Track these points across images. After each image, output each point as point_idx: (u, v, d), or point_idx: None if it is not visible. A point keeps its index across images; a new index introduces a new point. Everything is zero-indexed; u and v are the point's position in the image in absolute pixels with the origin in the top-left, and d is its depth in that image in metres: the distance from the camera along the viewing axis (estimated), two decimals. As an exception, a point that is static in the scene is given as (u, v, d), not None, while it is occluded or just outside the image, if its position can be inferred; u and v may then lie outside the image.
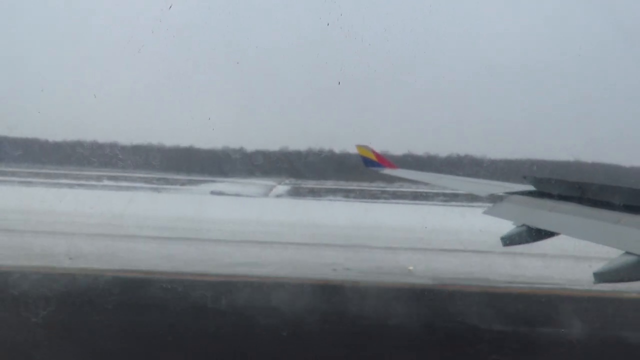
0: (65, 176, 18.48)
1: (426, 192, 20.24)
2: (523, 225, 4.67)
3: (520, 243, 4.66)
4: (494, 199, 5.39)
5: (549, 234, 4.44)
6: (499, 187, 5.64)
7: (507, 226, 4.83)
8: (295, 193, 20.94)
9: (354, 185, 21.47)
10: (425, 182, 9.58)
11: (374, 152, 10.00)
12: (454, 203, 18.53)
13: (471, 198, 18.56)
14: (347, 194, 20.41)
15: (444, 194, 19.81)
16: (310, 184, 21.86)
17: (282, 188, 21.23)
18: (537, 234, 4.53)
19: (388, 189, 21.20)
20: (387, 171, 10.00)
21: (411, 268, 8.87)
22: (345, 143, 18.63)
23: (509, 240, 4.74)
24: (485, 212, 5.08)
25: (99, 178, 19.32)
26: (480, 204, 18.19)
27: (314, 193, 20.92)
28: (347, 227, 11.88)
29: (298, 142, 18.71)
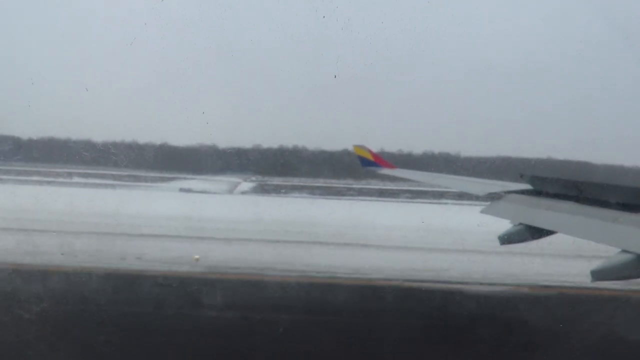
0: (37, 173, 17.95)
1: (392, 190, 20.57)
2: (520, 224, 4.79)
3: (517, 242, 4.76)
4: (491, 197, 5.51)
5: (547, 233, 4.56)
6: (496, 186, 5.75)
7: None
8: (261, 190, 21.07)
9: (320, 182, 21.46)
10: (423, 182, 9.71)
11: (370, 152, 10.06)
12: (420, 200, 18.93)
13: (435, 195, 19.40)
14: (313, 190, 20.43)
15: (410, 192, 20.19)
16: (278, 180, 21.94)
17: (247, 185, 21.22)
18: (535, 233, 4.64)
19: (354, 186, 21.36)
20: (385, 171, 10.07)
21: (197, 257, 9.00)
22: (319, 140, 18.88)
23: (506, 239, 4.85)
24: (482, 211, 5.18)
25: (69, 175, 18.96)
26: (420, 199, 18.98)
27: (279, 190, 21.08)
28: (261, 222, 11.85)
29: (272, 139, 18.90)
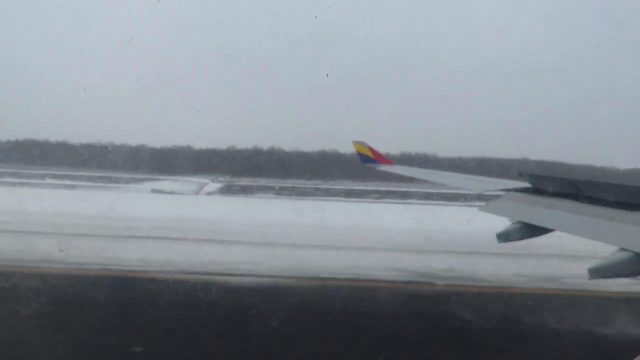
0: (10, 174, 17.80)
1: (359, 190, 21.07)
2: (519, 221, 4.86)
3: (516, 239, 4.82)
4: (488, 196, 5.57)
5: (545, 231, 4.62)
6: (495, 184, 5.82)
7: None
8: (226, 190, 21.10)
9: (289, 183, 21.60)
10: (421, 179, 9.76)
11: (370, 148, 10.09)
12: (387, 200, 19.18)
13: (401, 195, 19.68)
14: (280, 191, 20.53)
15: (378, 192, 20.57)
16: (246, 181, 22.08)
17: (214, 186, 21.26)
18: (533, 231, 4.70)
19: (322, 187, 21.61)
20: (384, 167, 10.10)
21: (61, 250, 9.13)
22: (296, 141, 19.08)
23: (505, 237, 4.90)
24: (481, 209, 5.24)
25: (42, 177, 18.63)
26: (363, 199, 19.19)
27: (246, 190, 21.11)
28: (187, 221, 12.11)
29: (247, 140, 19.11)
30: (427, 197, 18.89)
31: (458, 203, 16.91)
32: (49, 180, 18.50)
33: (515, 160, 17.59)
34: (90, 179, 19.23)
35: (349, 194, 20.55)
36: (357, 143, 10.25)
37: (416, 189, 19.54)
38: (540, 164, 17.30)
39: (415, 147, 20.08)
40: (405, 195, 19.41)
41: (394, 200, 18.82)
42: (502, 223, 4.75)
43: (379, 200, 19.35)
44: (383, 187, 21.23)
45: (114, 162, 16.48)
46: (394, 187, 20.81)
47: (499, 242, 4.86)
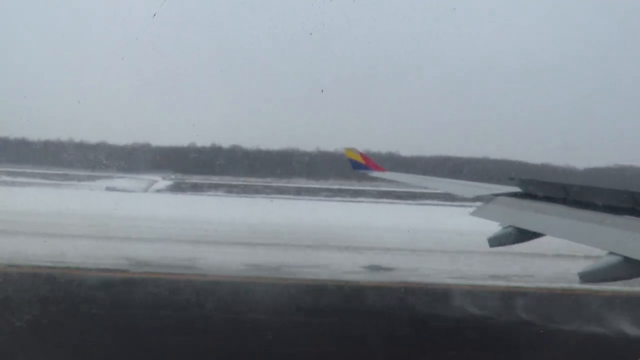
0: None
1: (309, 188, 21.18)
2: (509, 226, 4.93)
3: (507, 244, 4.90)
4: (481, 199, 5.65)
5: (536, 235, 4.71)
6: (486, 189, 5.89)
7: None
8: (175, 188, 21.21)
9: (240, 181, 21.55)
10: (413, 184, 9.80)
11: (361, 155, 10.09)
12: (336, 199, 19.73)
13: (353, 193, 19.98)
14: (231, 189, 20.53)
15: (330, 190, 20.86)
16: (198, 179, 22.13)
17: (164, 183, 21.30)
18: (524, 235, 4.78)
19: (273, 184, 21.63)
20: (376, 174, 10.12)
21: None
22: (258, 139, 19.09)
23: (496, 241, 4.96)
24: (472, 213, 5.31)
25: None
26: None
27: (196, 188, 21.18)
28: (107, 217, 12.36)
29: (207, 138, 19.14)
30: (382, 194, 19.13)
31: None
32: (3, 178, 18.07)
33: (474, 159, 18.12)
34: (45, 176, 18.78)
35: (301, 192, 20.59)
36: (348, 149, 10.24)
37: (371, 188, 19.68)
38: (502, 163, 17.87)
39: (386, 146, 20.42)
40: (358, 194, 19.75)
41: (352, 199, 19.30)
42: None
43: (332, 199, 19.65)
44: (335, 185, 21.37)
45: (73, 160, 16.45)
46: (343, 186, 20.88)
47: (491, 246, 4.91)
